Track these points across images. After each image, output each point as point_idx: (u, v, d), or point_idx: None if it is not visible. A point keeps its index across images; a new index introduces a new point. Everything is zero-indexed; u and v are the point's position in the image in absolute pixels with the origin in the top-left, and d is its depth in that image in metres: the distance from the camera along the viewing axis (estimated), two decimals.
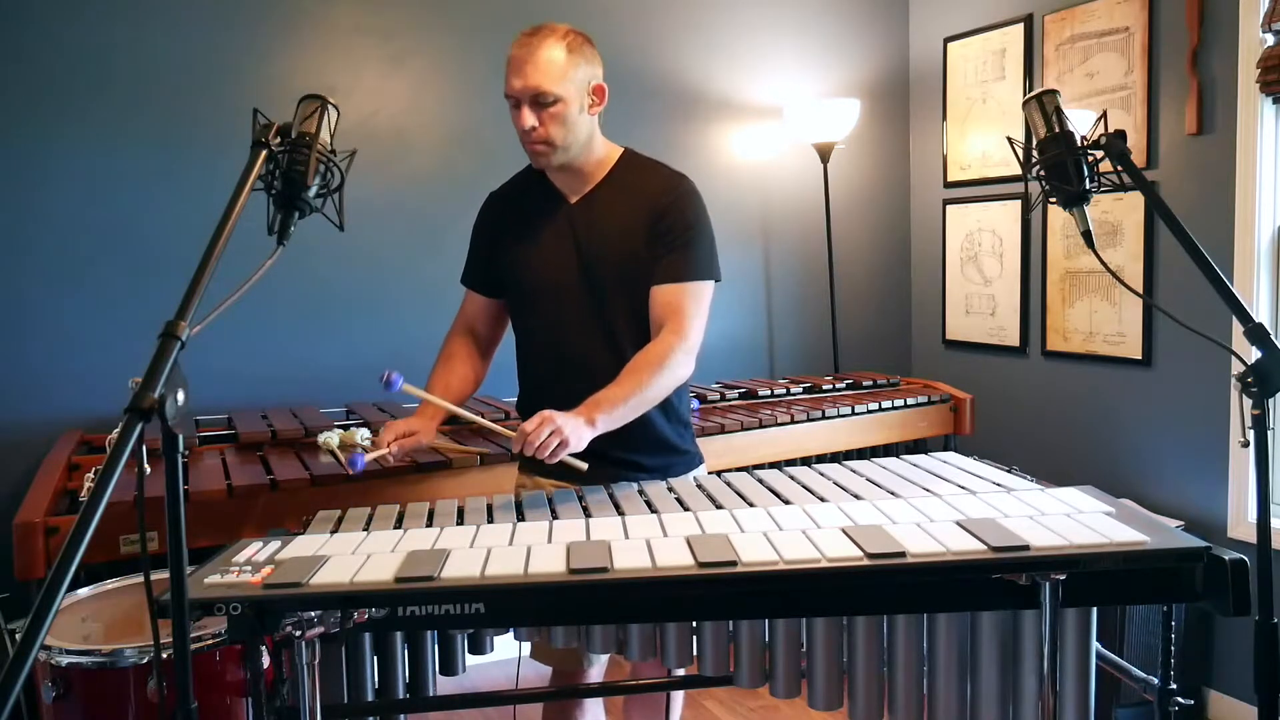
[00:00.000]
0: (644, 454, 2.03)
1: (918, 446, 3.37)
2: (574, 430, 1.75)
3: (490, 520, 1.76)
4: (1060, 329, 3.54)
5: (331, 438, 2.58)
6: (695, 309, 1.93)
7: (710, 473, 2.11)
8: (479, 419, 2.04)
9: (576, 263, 2.00)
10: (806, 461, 2.70)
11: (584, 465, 1.84)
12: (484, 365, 2.17)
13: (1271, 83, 2.78)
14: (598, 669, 2.05)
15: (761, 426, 3.01)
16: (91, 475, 2.25)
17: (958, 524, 1.56)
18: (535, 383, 2.09)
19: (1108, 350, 3.36)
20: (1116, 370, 3.34)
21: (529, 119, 1.89)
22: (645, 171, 2.04)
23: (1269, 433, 1.45)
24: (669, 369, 1.88)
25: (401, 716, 1.78)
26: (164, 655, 1.55)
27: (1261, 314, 2.90)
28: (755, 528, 1.60)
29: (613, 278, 1.98)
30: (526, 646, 1.90)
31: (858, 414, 3.23)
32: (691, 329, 1.92)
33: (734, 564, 1.44)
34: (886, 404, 3.32)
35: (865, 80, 4.09)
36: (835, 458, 2.77)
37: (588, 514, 1.76)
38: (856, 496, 1.81)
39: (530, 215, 2.06)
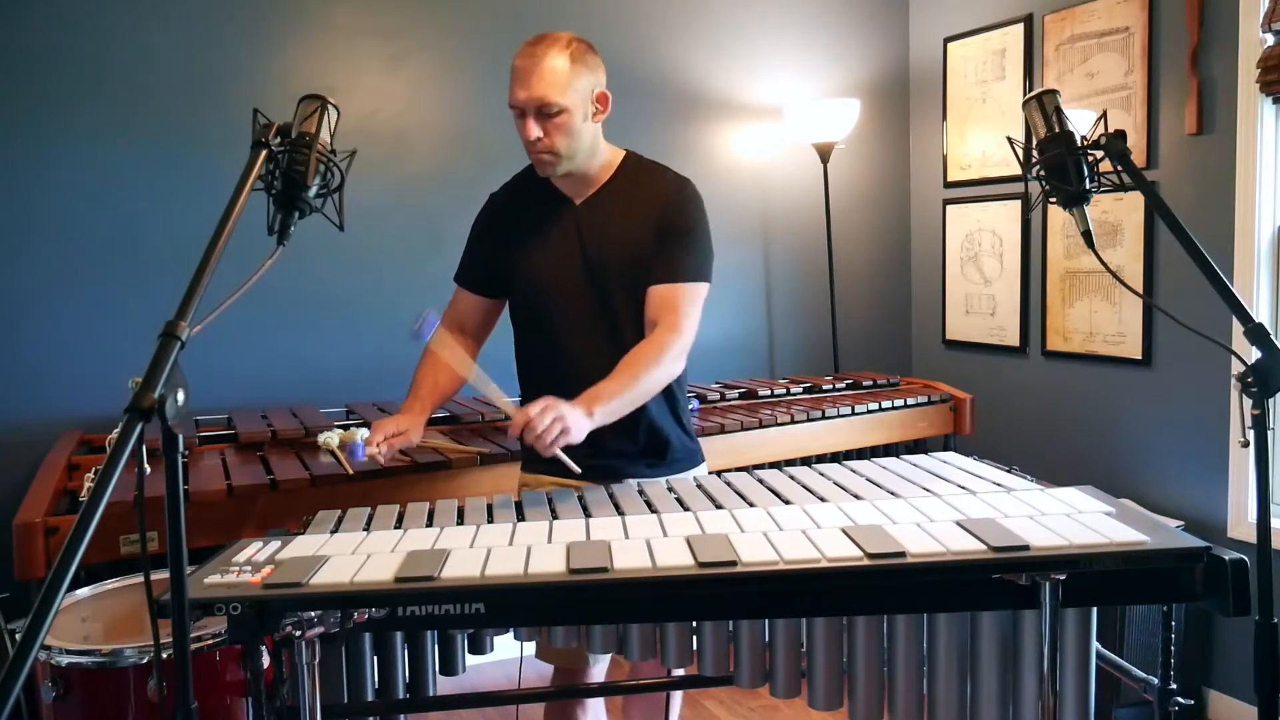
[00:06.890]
0: (649, 452, 2.06)
1: (918, 446, 3.36)
2: (575, 421, 1.75)
3: (490, 520, 1.76)
4: (1060, 329, 3.54)
5: (331, 438, 2.57)
6: (691, 308, 1.97)
7: (710, 473, 2.12)
8: (488, 388, 1.93)
9: (582, 264, 2.01)
10: (806, 461, 2.71)
11: (579, 469, 1.84)
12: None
13: (1271, 83, 2.78)
14: (600, 668, 2.06)
15: (761, 426, 3.01)
16: (91, 475, 2.25)
17: (958, 524, 1.56)
18: (539, 382, 2.09)
19: (1108, 350, 3.36)
20: (1116, 370, 3.34)
21: (534, 130, 1.90)
22: (649, 175, 2.06)
23: (1269, 433, 1.45)
24: (663, 365, 1.90)
25: (401, 716, 1.78)
26: (164, 655, 1.55)
27: (1261, 314, 2.90)
28: (755, 528, 1.60)
29: (618, 279, 2.00)
30: (529, 647, 1.90)
31: (858, 414, 3.23)
32: (687, 327, 1.95)
33: (734, 564, 1.44)
34: (886, 404, 3.32)
35: (865, 80, 4.09)
36: (835, 458, 2.78)
37: (588, 514, 1.76)
38: (856, 496, 1.81)
39: (535, 217, 2.06)
